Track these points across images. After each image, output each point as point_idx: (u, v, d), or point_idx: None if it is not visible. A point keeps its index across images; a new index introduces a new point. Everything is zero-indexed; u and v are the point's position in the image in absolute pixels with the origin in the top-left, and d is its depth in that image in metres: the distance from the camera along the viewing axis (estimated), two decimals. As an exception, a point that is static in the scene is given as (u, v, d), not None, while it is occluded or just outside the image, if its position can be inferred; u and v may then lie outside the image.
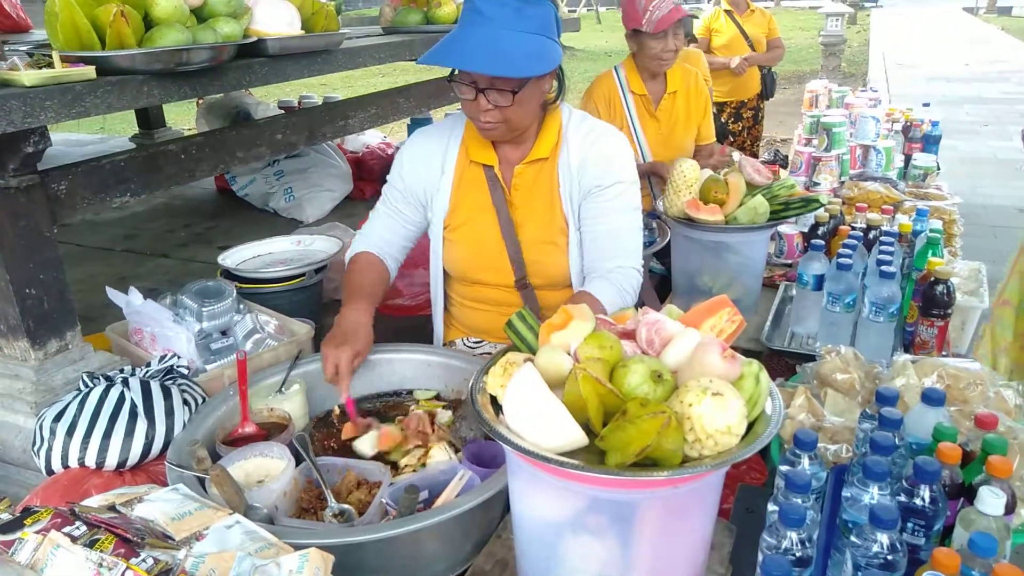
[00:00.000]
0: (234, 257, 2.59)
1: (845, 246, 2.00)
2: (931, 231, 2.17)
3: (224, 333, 1.95)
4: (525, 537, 1.21)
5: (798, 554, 1.11)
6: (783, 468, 1.27)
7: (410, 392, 1.77)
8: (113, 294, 1.90)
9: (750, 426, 1.05)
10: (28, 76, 1.46)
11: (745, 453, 1.00)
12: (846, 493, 1.21)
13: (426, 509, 1.30)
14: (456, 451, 1.52)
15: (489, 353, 1.86)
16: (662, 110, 2.97)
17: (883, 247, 1.99)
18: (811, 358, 1.88)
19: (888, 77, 11.00)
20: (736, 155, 2.60)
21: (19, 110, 1.43)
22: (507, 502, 1.32)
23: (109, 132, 8.09)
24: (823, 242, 2.10)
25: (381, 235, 1.86)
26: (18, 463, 1.70)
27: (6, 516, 1.05)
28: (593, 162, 1.71)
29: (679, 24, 2.80)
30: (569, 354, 1.13)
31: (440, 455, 1.49)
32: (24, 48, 1.77)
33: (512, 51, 1.49)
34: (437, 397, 1.73)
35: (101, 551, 0.96)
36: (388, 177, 1.86)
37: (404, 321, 2.82)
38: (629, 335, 1.19)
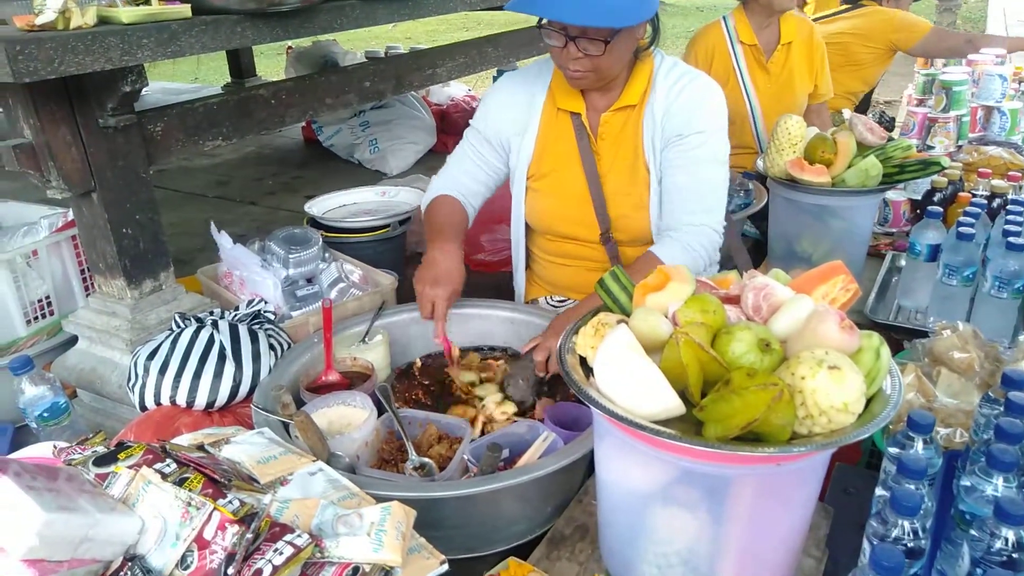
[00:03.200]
0: (320, 206, 2.61)
1: (967, 214, 1.84)
2: (1066, 201, 1.97)
3: (310, 281, 1.95)
4: (610, 505, 1.17)
5: (909, 544, 1.02)
6: (893, 451, 1.18)
7: (491, 348, 1.73)
8: (214, 231, 1.94)
9: (866, 404, 0.96)
10: (126, 13, 1.46)
11: (861, 433, 0.92)
12: (965, 482, 1.11)
13: (506, 468, 1.28)
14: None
15: (573, 312, 1.81)
16: (774, 62, 2.79)
17: (1011, 216, 1.82)
18: (919, 333, 1.75)
19: (1008, 35, 10.15)
20: (847, 112, 2.43)
21: (117, 47, 1.43)
22: (589, 466, 1.28)
23: (203, 82, 8.32)
24: (940, 210, 1.93)
25: (460, 180, 1.79)
26: (114, 398, 1.76)
27: (102, 449, 1.07)
28: (677, 110, 1.61)
29: None
30: (666, 317, 1.06)
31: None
32: (123, -13, 1.79)
33: None
34: (518, 356, 1.69)
35: (190, 490, 0.96)
36: (471, 121, 1.80)
37: (486, 277, 2.78)
38: (732, 300, 1.11)
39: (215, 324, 1.58)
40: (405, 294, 2.08)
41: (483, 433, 1.44)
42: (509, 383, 1.54)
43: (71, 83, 1.55)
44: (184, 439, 1.20)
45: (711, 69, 2.81)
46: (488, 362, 1.65)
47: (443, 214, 1.73)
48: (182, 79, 8.44)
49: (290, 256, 1.93)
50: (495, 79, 4.99)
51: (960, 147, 2.88)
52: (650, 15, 1.48)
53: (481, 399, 1.53)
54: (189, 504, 0.94)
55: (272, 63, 9.23)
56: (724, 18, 2.83)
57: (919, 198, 2.41)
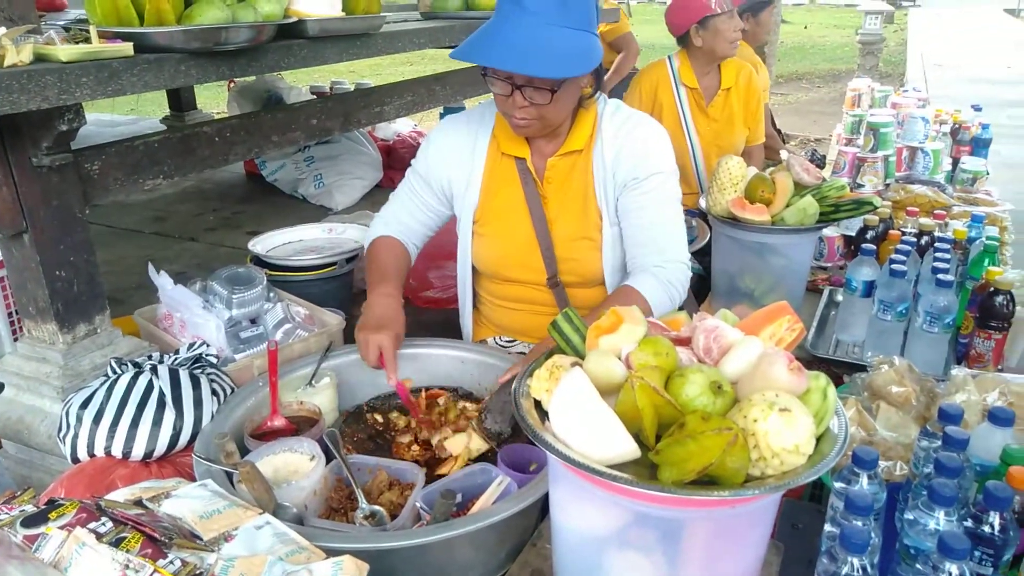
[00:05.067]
0: (264, 243, 2.56)
1: (898, 252, 1.92)
2: (988, 238, 2.07)
3: (254, 321, 1.90)
4: (565, 549, 1.15)
5: (859, 581, 1.04)
6: (839, 486, 1.20)
7: (441, 388, 1.71)
8: (153, 274, 1.87)
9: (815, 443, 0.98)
10: (64, 51, 1.41)
11: (812, 474, 0.94)
12: (908, 516, 1.14)
13: (460, 514, 1.25)
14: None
15: (523, 352, 1.80)
16: (714, 106, 2.87)
17: (938, 254, 1.90)
18: (857, 367, 1.80)
19: (927, 78, 10.75)
20: (784, 153, 2.51)
21: (54, 86, 1.39)
22: (543, 508, 1.27)
23: (140, 113, 8.13)
24: (874, 247, 2.01)
25: (401, 219, 1.80)
26: (43, 448, 1.67)
27: (30, 508, 1.01)
28: (628, 154, 1.64)
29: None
30: (620, 359, 1.07)
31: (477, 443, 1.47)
32: (61, 23, 1.74)
33: (554, 49, 1.41)
34: (470, 396, 1.68)
35: (127, 551, 0.92)
36: (413, 162, 1.81)
37: (434, 314, 2.77)
38: (683, 342, 1.12)
39: (154, 369, 1.53)
40: (352, 334, 2.04)
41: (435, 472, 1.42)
42: (487, 416, 1.50)
43: (3, 121, 1.49)
44: (120, 494, 1.14)
45: (654, 106, 2.89)
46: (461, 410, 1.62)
47: (382, 257, 1.73)
48: (119, 110, 8.23)
49: (233, 296, 1.88)
50: (442, 115, 5.03)
51: (888, 185, 3.01)
52: (596, 64, 1.51)
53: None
54: (127, 567, 0.90)
55: (213, 93, 9.09)
56: (669, 58, 2.91)
57: (852, 234, 2.50)
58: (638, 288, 1.57)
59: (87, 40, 1.49)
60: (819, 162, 4.26)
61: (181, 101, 5.40)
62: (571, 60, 1.43)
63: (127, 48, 1.54)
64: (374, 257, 1.74)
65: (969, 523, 1.11)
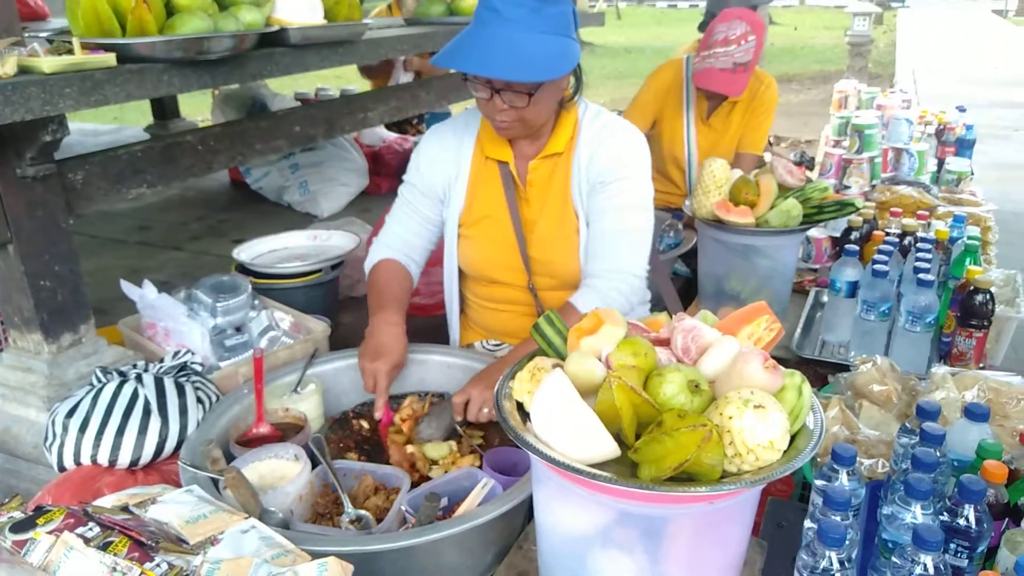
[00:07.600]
0: (249, 251, 2.55)
1: (881, 252, 1.94)
2: (969, 238, 2.10)
3: (239, 329, 1.91)
4: (550, 549, 1.17)
5: (837, 575, 1.05)
6: (819, 483, 1.22)
7: (426, 393, 1.72)
8: (127, 287, 1.87)
9: (791, 440, 1.00)
10: (48, 63, 1.42)
11: (787, 469, 0.95)
12: (886, 511, 1.16)
13: (446, 517, 1.26)
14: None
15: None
16: (716, 117, 2.87)
17: (920, 254, 1.93)
18: (843, 367, 1.82)
19: (916, 79, 10.84)
20: (767, 156, 2.53)
21: (38, 97, 1.40)
22: (529, 511, 1.28)
23: (124, 122, 8.09)
24: (857, 248, 2.03)
25: (401, 237, 1.81)
26: (29, 458, 1.67)
27: (18, 515, 1.02)
28: (601, 157, 1.66)
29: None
30: (600, 360, 1.09)
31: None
32: (44, 35, 1.74)
33: (530, 54, 1.44)
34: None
35: (115, 554, 0.93)
36: (405, 176, 1.82)
37: (421, 321, 2.77)
38: (663, 342, 1.14)
39: (139, 378, 1.53)
40: (338, 341, 2.05)
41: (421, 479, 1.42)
42: (423, 422, 1.54)
43: (-13, 132, 1.50)
44: (107, 500, 1.15)
45: (665, 107, 2.89)
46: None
47: (383, 282, 1.73)
48: (102, 119, 8.20)
49: (218, 304, 1.89)
50: (428, 122, 5.03)
51: (874, 186, 3.04)
52: (571, 67, 1.52)
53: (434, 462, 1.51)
54: (114, 569, 0.91)
55: (197, 100, 9.04)
56: (688, 59, 2.89)
57: (839, 235, 2.53)
58: (576, 305, 1.59)
59: (70, 51, 1.50)
60: (808, 164, 4.30)
61: (165, 109, 5.38)
62: (545, 64, 1.46)
63: (110, 59, 1.55)
64: (374, 283, 1.74)
65: (945, 516, 1.13)
